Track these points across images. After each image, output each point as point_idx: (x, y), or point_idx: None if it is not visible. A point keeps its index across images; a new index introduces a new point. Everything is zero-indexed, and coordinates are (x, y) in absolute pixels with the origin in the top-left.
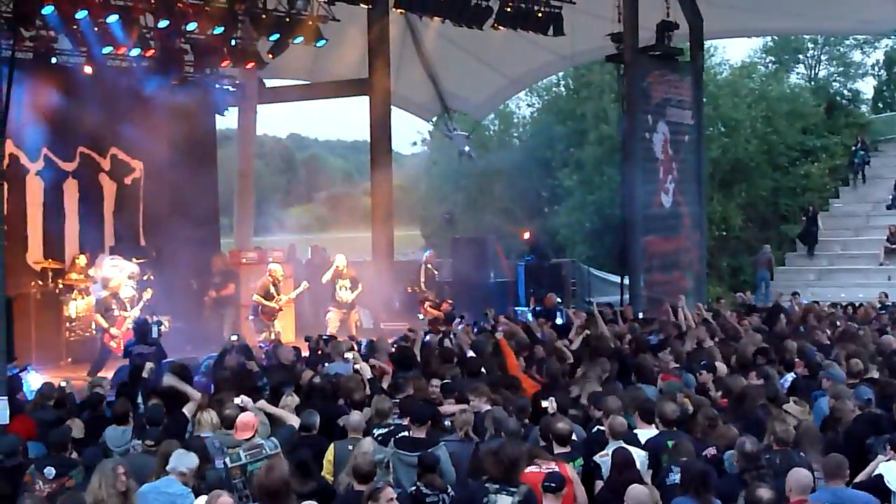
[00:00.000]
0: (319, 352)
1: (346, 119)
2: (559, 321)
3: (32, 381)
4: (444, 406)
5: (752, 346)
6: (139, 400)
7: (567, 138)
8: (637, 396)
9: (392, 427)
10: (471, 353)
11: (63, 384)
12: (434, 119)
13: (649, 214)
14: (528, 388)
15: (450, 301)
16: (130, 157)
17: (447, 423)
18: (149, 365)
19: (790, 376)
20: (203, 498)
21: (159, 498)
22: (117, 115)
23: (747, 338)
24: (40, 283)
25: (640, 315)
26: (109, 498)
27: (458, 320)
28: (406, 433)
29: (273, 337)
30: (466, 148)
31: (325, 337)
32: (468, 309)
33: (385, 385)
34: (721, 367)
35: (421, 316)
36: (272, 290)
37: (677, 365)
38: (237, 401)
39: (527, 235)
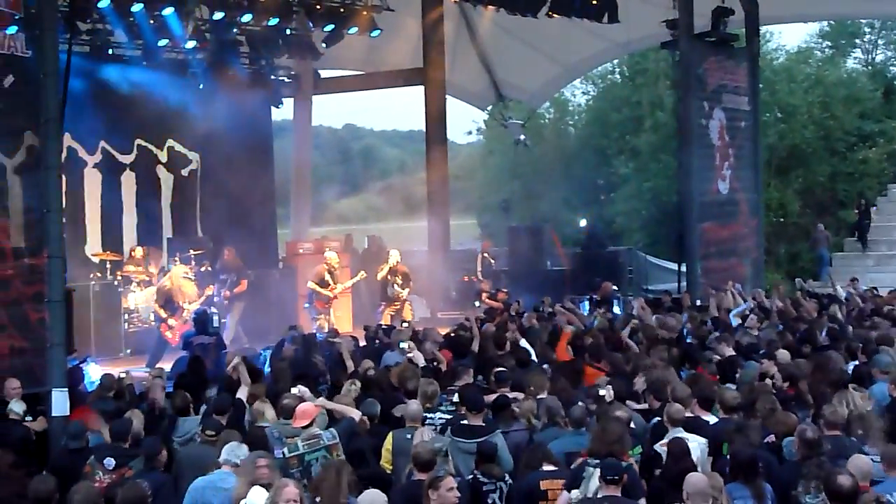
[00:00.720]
0: (377, 342)
1: (402, 109)
2: (616, 310)
3: (92, 372)
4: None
5: (819, 331)
6: (209, 391)
7: (622, 126)
8: (696, 383)
9: (450, 415)
10: (524, 343)
11: (123, 375)
12: (489, 108)
13: (706, 201)
14: (590, 375)
15: (506, 290)
16: (187, 149)
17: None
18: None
19: (852, 364)
20: (259, 490)
21: (217, 495)
22: (173, 107)
23: (815, 323)
24: (99, 275)
25: (699, 302)
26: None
27: (516, 305)
28: (464, 421)
29: (327, 326)
30: (522, 136)
31: (384, 327)
32: (524, 297)
33: (442, 372)
34: (783, 355)
35: (478, 304)
36: (327, 277)
37: (734, 353)
38: (294, 391)
39: (583, 223)
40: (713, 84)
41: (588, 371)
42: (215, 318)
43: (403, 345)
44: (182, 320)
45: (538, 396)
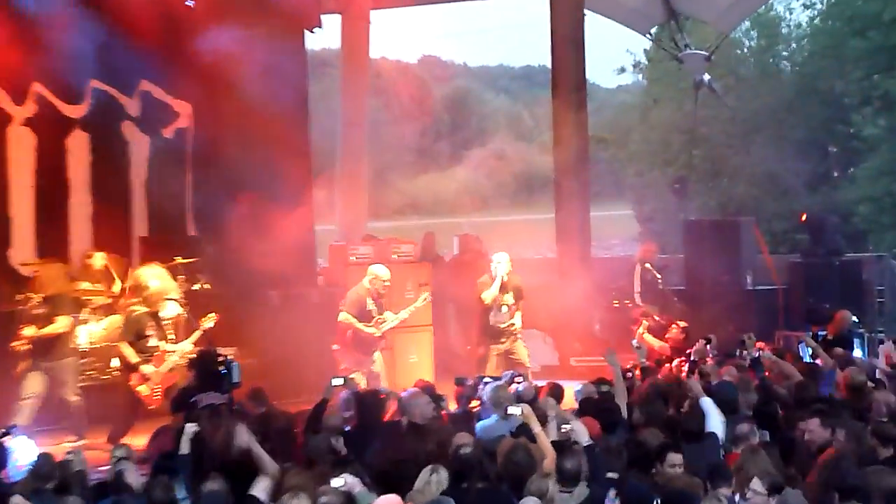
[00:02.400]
0: (472, 403)
1: (512, 33)
2: (858, 353)
3: (20, 450)
4: None
5: None
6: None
7: (868, 59)
8: None
9: None
10: (706, 404)
11: (70, 456)
12: (654, 31)
13: None
14: None
15: (682, 323)
16: (172, 97)
17: None
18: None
19: None
20: None
21: None
22: (150, 34)
23: None
24: (31, 296)
25: None
26: None
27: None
28: None
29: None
30: (706, 77)
31: (486, 381)
32: (711, 333)
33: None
34: None
35: (636, 344)
36: (370, 305)
37: None
38: (336, 482)
39: (804, 217)
40: None
41: None
42: (235, 369)
43: (514, 409)
44: (166, 365)
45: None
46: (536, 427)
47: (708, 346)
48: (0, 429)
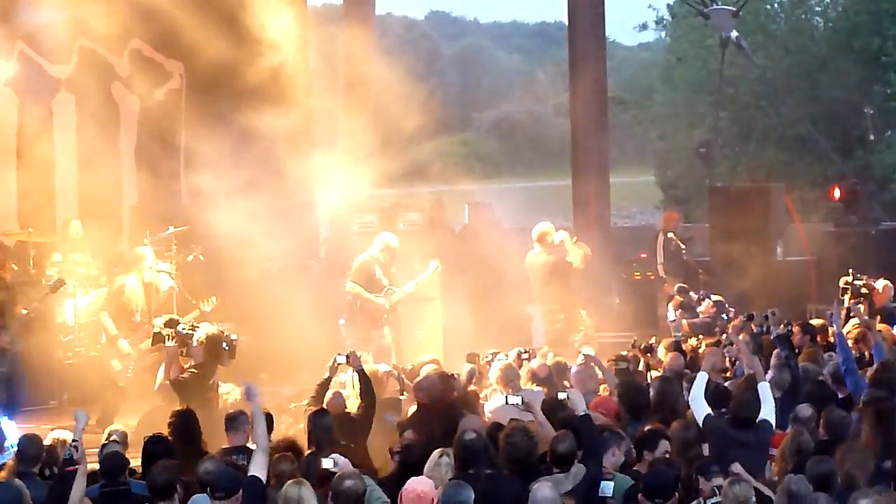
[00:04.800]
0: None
1: None
2: None
3: (7, 431)
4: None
5: None
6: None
7: None
8: None
9: None
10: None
11: (56, 438)
12: None
13: None
14: None
15: (713, 295)
16: (164, 56)
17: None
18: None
19: None
20: None
21: None
22: None
23: None
24: (14, 267)
25: None
26: None
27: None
28: None
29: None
30: (734, 34)
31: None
32: (737, 306)
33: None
34: None
35: (670, 315)
36: (379, 274)
37: None
38: (326, 463)
39: (837, 193)
40: None
41: None
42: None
43: (513, 399)
44: (146, 343)
45: None
46: (539, 416)
47: (754, 320)
48: None
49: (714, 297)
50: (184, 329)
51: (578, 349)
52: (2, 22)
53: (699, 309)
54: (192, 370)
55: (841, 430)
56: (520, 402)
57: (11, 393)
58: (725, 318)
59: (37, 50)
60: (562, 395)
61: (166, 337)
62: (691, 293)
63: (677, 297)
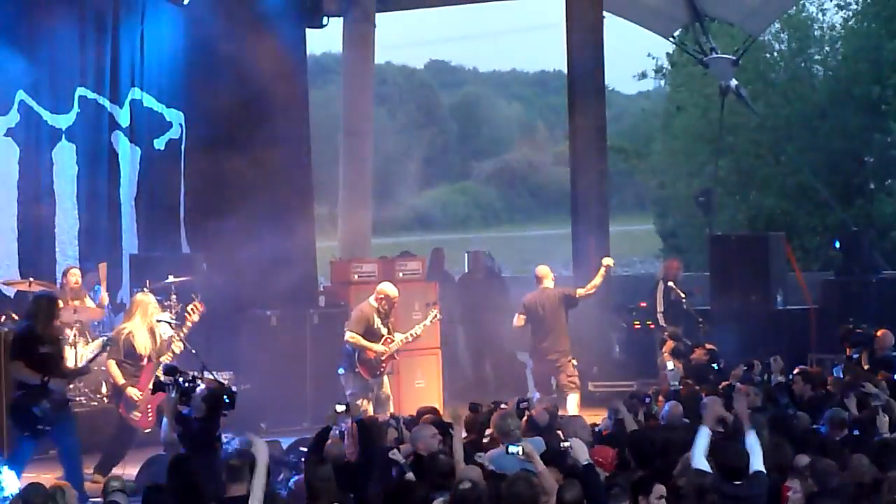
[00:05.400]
0: (485, 434)
1: (525, 36)
2: None
3: (6, 482)
4: None
5: None
6: None
7: None
8: None
9: None
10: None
11: (58, 487)
12: (677, 34)
13: None
14: None
15: (708, 345)
16: (165, 105)
17: None
18: None
19: None
20: None
21: None
22: (141, 36)
23: None
24: (15, 317)
25: None
26: None
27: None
28: None
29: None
30: (734, 82)
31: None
32: (739, 356)
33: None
34: None
35: (670, 367)
36: (377, 323)
37: None
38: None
39: (838, 244)
40: None
41: None
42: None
43: (514, 448)
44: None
45: None
46: (539, 466)
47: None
48: None
49: (708, 346)
50: (185, 383)
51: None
52: (2, 72)
53: (693, 357)
54: (198, 421)
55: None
56: (520, 452)
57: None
58: (717, 367)
59: (37, 100)
60: (565, 445)
61: (166, 386)
62: (684, 339)
63: (670, 341)
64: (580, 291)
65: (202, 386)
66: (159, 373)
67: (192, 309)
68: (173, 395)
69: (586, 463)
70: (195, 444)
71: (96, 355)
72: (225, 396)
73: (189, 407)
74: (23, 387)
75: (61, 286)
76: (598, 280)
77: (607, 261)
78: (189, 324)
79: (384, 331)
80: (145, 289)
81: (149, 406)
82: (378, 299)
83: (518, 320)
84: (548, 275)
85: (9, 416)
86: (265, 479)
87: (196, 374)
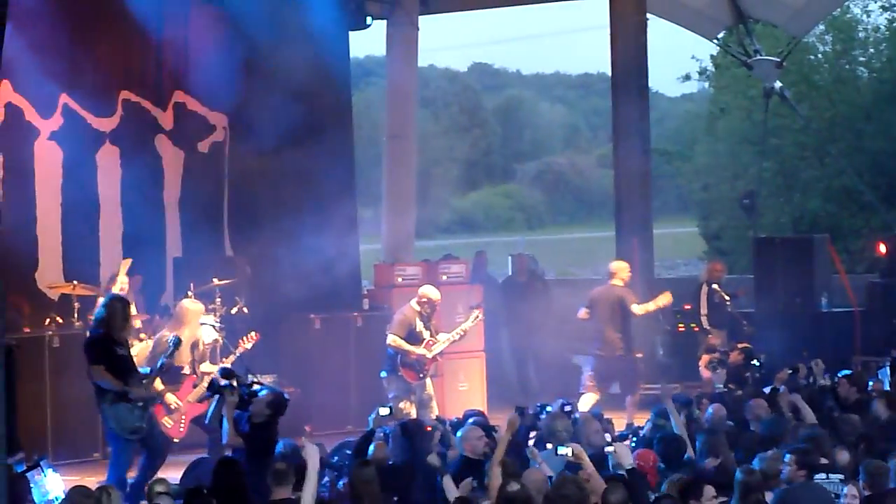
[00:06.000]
0: (530, 436)
1: (568, 39)
2: None
3: (49, 484)
4: None
5: None
6: None
7: None
8: None
9: None
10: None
11: (101, 490)
12: (721, 35)
13: None
14: None
15: (741, 344)
16: (208, 109)
17: None
18: None
19: None
20: None
21: None
22: (184, 40)
23: None
24: (59, 320)
25: None
26: None
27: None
28: None
29: (414, 411)
30: (777, 84)
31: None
32: (783, 359)
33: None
34: None
35: (707, 370)
36: (419, 327)
37: None
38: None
39: (883, 248)
40: None
41: None
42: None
43: (564, 450)
44: (195, 396)
45: None
46: (589, 467)
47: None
48: (26, 461)
49: (740, 345)
50: (246, 388)
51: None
52: (46, 76)
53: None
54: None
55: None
56: (570, 454)
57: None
58: (757, 363)
59: (81, 104)
60: (608, 449)
61: (224, 389)
62: (720, 349)
63: (705, 355)
64: (636, 309)
65: (261, 391)
66: (216, 375)
67: (246, 339)
68: (232, 398)
69: (630, 467)
70: (254, 449)
71: (168, 355)
72: (286, 402)
73: (246, 411)
74: (101, 392)
75: (107, 290)
76: (651, 307)
77: (666, 299)
78: (240, 351)
79: (426, 334)
80: (190, 293)
81: (183, 416)
82: (420, 302)
83: (582, 313)
84: (618, 271)
85: (107, 420)
86: (316, 485)
87: (255, 379)
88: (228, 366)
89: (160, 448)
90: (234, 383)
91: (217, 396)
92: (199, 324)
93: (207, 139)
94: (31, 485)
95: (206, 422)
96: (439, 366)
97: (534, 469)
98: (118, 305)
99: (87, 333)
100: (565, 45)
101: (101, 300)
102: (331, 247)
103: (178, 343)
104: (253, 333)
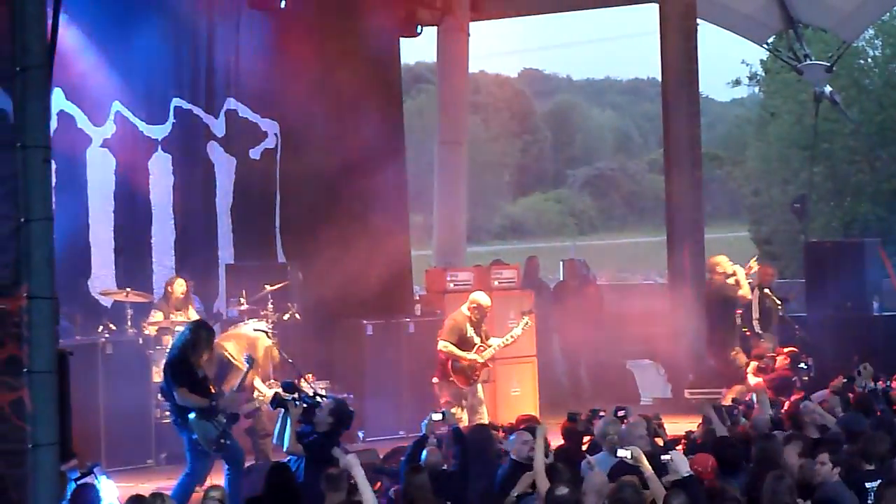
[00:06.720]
0: (583, 442)
1: (619, 46)
2: None
3: (105, 491)
4: None
5: None
6: None
7: None
8: None
9: None
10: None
11: (163, 495)
12: (771, 40)
13: None
14: None
15: (787, 348)
16: (260, 115)
17: None
18: None
19: None
20: None
21: None
22: (236, 47)
23: None
24: (113, 327)
25: None
26: None
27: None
28: None
29: (466, 418)
30: (828, 89)
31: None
32: (832, 363)
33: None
34: None
35: (753, 374)
36: (470, 332)
37: None
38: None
39: None
40: None
41: None
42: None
43: (623, 452)
44: (254, 406)
45: None
46: (648, 471)
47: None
48: (81, 468)
49: (787, 349)
50: (308, 401)
51: None
52: (98, 84)
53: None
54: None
55: None
56: (629, 455)
57: None
58: (805, 366)
59: (133, 111)
60: (665, 458)
61: (287, 402)
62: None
63: (752, 363)
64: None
65: (323, 404)
66: (279, 389)
67: (305, 378)
68: (296, 410)
69: (687, 475)
70: (316, 459)
71: (246, 373)
72: (351, 413)
73: (309, 424)
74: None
75: (164, 296)
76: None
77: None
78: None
79: (477, 339)
80: (241, 299)
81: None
82: (471, 308)
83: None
84: (713, 266)
85: (192, 432)
86: (370, 490)
87: (318, 392)
88: (291, 380)
89: (240, 459)
90: (297, 395)
91: (282, 411)
92: (264, 347)
93: (259, 146)
94: (93, 494)
95: (275, 441)
96: (491, 371)
97: (598, 472)
98: (204, 334)
99: (168, 354)
100: (615, 51)
101: (179, 318)
102: (382, 253)
103: (252, 363)
104: (310, 376)
